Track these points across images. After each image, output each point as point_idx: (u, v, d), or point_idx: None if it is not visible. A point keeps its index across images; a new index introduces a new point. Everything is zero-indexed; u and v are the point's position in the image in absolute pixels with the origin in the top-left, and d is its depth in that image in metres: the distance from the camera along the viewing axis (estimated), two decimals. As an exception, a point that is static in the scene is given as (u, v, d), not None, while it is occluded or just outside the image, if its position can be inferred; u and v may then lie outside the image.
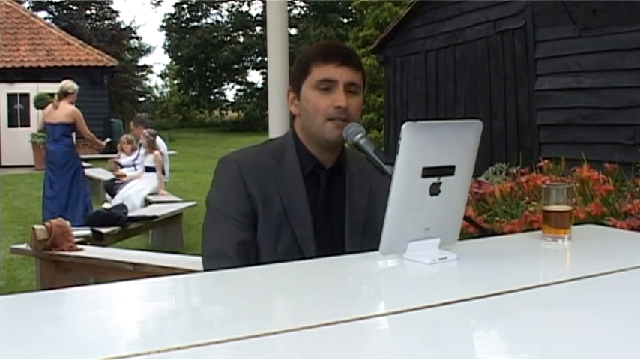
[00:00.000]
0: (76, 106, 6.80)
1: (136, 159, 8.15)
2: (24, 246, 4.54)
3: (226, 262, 1.53)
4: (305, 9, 32.29)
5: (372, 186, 1.68)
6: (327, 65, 1.59)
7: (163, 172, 7.85)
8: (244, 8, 32.72)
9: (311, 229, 1.59)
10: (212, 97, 33.57)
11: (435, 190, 1.30)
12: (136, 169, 8.02)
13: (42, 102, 14.52)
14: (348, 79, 1.59)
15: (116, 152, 9.26)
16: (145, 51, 33.12)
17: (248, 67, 33.09)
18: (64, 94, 6.71)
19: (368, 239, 1.59)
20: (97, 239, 4.99)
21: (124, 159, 8.42)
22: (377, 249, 1.31)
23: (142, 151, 7.96)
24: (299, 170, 1.62)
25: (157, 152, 7.74)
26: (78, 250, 4.39)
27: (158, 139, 8.11)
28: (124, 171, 8.13)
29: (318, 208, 1.62)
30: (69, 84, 6.78)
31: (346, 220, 1.64)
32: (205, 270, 1.58)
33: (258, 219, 1.57)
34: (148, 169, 7.76)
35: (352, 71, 1.60)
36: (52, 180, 6.74)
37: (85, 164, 7.61)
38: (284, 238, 1.57)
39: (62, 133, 6.70)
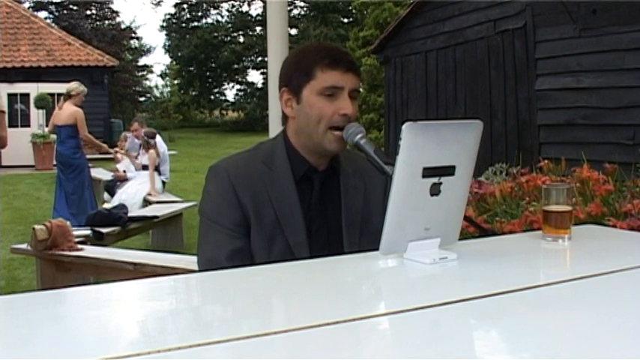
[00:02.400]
0: (78, 106, 6.83)
1: (136, 158, 8.18)
2: (24, 246, 4.54)
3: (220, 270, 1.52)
4: (305, 9, 32.29)
5: (366, 184, 1.67)
6: (333, 71, 1.56)
7: (160, 173, 7.86)
8: (244, 8, 32.77)
9: (304, 235, 1.58)
10: (212, 97, 33.58)
11: (435, 190, 1.30)
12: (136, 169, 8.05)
13: (42, 102, 14.59)
14: (353, 85, 1.57)
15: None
16: (145, 51, 33.15)
17: (248, 67, 33.10)
18: (68, 96, 6.80)
19: (366, 239, 1.58)
20: (98, 239, 4.99)
21: (124, 162, 8.43)
22: (375, 249, 1.31)
23: (142, 150, 8.00)
24: (290, 175, 1.60)
25: (151, 151, 7.76)
26: (78, 250, 4.39)
27: (158, 139, 8.11)
28: (122, 169, 8.17)
29: (313, 212, 1.61)
30: (73, 85, 6.84)
31: (343, 221, 1.62)
32: None
33: (251, 227, 1.56)
34: (145, 167, 7.80)
35: (356, 77, 1.59)
36: (61, 180, 6.83)
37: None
38: (277, 246, 1.56)
39: (68, 134, 6.78)
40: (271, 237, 1.56)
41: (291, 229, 1.57)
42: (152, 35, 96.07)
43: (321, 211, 1.62)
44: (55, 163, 7.61)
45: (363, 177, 1.67)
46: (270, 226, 1.57)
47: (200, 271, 1.59)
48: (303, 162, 1.62)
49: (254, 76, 45.70)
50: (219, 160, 1.68)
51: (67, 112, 6.74)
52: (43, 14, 25.03)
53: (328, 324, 0.95)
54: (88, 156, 7.34)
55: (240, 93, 33.32)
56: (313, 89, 1.57)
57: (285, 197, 1.58)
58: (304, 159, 1.62)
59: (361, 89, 1.91)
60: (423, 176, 1.27)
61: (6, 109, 4.35)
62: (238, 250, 1.55)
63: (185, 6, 32.11)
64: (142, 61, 32.58)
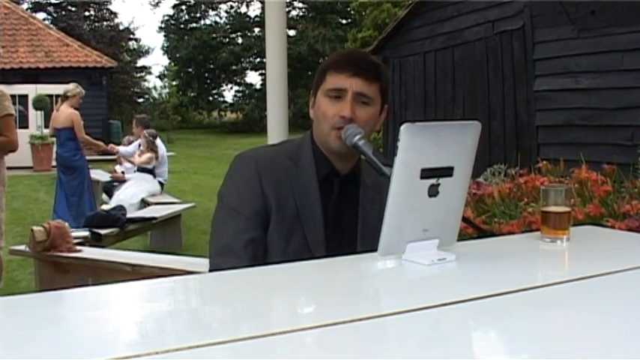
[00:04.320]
0: (75, 107, 6.83)
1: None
2: (23, 247, 4.54)
3: (234, 258, 1.53)
4: (304, 10, 32.28)
5: (383, 198, 1.67)
6: (339, 74, 1.59)
7: (154, 175, 7.82)
8: (243, 9, 32.74)
9: (322, 234, 1.59)
10: (211, 98, 33.55)
11: (433, 191, 1.30)
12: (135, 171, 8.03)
13: (40, 103, 14.57)
14: (357, 89, 1.58)
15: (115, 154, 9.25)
16: (143, 52, 33.10)
17: (247, 69, 33.07)
18: (65, 97, 6.81)
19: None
20: (96, 240, 4.99)
21: (126, 164, 8.41)
22: None
23: (139, 151, 7.97)
24: (314, 173, 1.63)
25: (148, 154, 7.72)
26: (77, 251, 4.39)
27: (157, 141, 8.10)
28: (120, 170, 8.16)
29: (330, 214, 1.62)
30: (70, 87, 6.85)
31: (359, 232, 1.64)
32: (212, 264, 1.58)
33: (271, 219, 1.58)
34: (140, 170, 7.76)
35: (365, 82, 1.59)
36: (62, 182, 6.83)
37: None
38: (295, 240, 1.58)
39: (66, 136, 6.78)
40: (290, 231, 1.58)
41: (310, 225, 1.59)
42: (150, 36, 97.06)
43: (337, 215, 1.64)
44: (53, 164, 7.60)
45: (380, 190, 1.66)
46: (290, 219, 1.58)
47: (212, 258, 1.59)
48: (327, 163, 1.65)
49: (252, 78, 45.63)
50: (246, 150, 1.71)
51: (65, 114, 6.75)
52: (41, 15, 25.04)
53: (328, 325, 0.95)
54: (88, 157, 7.34)
55: (239, 94, 33.30)
56: (322, 91, 1.62)
57: (308, 194, 1.61)
58: (327, 161, 1.65)
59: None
60: (422, 177, 1.28)
61: (14, 112, 4.35)
62: (254, 240, 1.56)
63: (183, 7, 32.10)
64: (141, 63, 32.60)
